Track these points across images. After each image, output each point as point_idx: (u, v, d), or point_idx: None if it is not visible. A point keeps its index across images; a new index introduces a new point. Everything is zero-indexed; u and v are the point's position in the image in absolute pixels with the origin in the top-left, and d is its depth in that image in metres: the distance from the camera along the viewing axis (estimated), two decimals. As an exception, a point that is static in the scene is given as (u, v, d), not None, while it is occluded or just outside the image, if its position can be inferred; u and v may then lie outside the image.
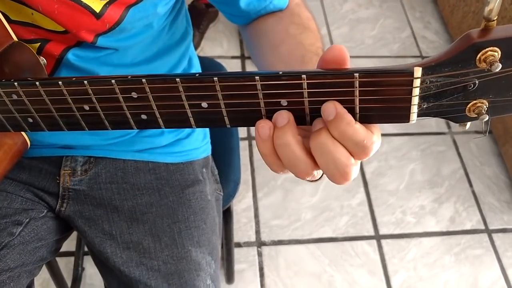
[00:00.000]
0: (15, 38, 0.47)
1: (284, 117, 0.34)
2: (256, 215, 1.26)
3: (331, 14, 1.86)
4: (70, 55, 0.51)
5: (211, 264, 0.60)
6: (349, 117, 0.32)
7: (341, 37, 1.76)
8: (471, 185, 1.39)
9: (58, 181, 0.60)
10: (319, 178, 0.37)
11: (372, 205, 1.32)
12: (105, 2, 0.47)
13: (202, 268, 0.59)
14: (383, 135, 1.47)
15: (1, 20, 0.46)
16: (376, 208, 1.31)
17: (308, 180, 0.37)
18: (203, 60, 0.80)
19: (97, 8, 0.47)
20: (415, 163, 1.42)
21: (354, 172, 0.34)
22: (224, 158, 0.78)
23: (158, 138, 0.64)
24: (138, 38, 0.54)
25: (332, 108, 0.32)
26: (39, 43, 0.50)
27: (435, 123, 1.53)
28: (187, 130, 0.67)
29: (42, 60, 0.50)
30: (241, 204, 1.27)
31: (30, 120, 0.43)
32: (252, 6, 0.55)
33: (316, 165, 0.35)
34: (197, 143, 0.68)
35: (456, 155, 1.46)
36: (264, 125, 0.34)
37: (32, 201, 0.59)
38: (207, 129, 0.73)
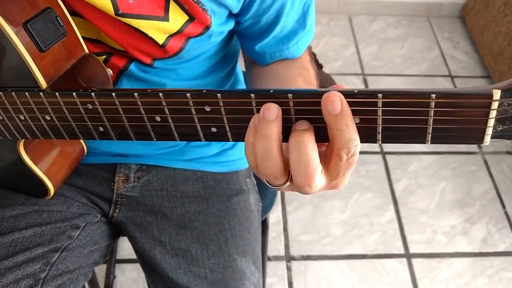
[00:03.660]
0: (86, 50, 0.50)
1: (274, 111, 0.34)
2: (285, 229, 1.27)
3: (360, 33, 1.87)
4: (133, 66, 0.54)
5: (255, 273, 0.61)
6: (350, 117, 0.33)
7: (369, 56, 1.77)
8: (503, 206, 1.37)
9: (112, 187, 0.62)
10: (281, 186, 0.37)
11: (402, 223, 1.31)
12: (168, 35, 0.50)
13: (247, 277, 0.59)
14: (412, 153, 1.48)
15: (76, 33, 0.49)
16: (406, 226, 1.30)
17: (269, 184, 0.38)
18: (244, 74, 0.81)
19: (160, 40, 0.50)
20: (446, 182, 1.41)
21: (318, 181, 0.35)
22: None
23: (205, 148, 0.66)
24: (194, 61, 0.57)
25: (338, 102, 0.32)
26: (104, 56, 0.53)
27: (464, 143, 1.52)
28: (233, 141, 0.68)
29: (109, 71, 0.53)
30: (270, 218, 1.27)
31: (101, 129, 0.45)
32: (267, 47, 0.58)
33: (285, 171, 0.36)
34: (241, 154, 0.69)
35: (487, 175, 1.44)
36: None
37: (88, 206, 0.61)
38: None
